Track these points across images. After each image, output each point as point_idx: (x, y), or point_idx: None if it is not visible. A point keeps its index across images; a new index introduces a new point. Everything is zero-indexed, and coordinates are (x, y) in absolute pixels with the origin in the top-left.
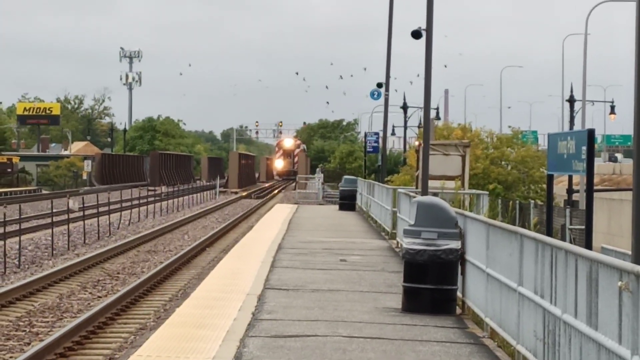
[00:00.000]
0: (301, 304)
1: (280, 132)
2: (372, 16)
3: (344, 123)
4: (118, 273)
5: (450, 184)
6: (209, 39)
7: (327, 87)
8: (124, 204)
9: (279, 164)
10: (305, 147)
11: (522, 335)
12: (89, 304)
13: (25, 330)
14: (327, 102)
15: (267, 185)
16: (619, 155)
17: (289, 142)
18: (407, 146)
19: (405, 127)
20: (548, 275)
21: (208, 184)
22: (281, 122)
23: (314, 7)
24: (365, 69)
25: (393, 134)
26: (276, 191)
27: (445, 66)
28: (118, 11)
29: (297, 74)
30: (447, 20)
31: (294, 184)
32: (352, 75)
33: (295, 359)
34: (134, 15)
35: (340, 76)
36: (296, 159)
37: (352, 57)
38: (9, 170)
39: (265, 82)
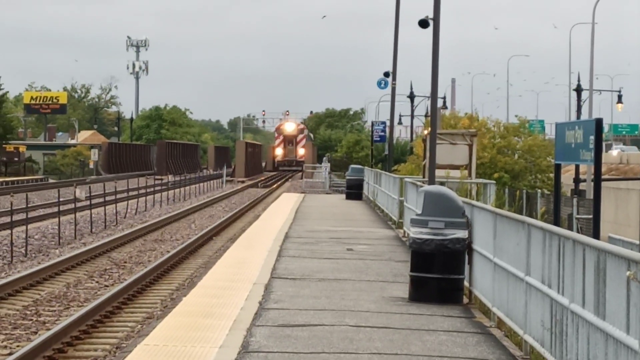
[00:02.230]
0: (308, 293)
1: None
2: (380, 4)
3: (351, 112)
4: (125, 262)
5: (455, 173)
6: (215, 28)
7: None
8: (130, 193)
9: (278, 152)
10: (311, 135)
11: (529, 324)
12: (95, 292)
13: (32, 319)
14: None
15: (273, 174)
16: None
17: (290, 127)
18: (414, 135)
19: (412, 116)
20: (555, 264)
21: (215, 173)
22: (288, 111)
23: None
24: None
25: (400, 123)
26: (283, 180)
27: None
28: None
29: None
30: (455, 9)
31: (300, 174)
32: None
33: (302, 348)
34: (140, 3)
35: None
36: (299, 146)
37: (359, 45)
38: (16, 159)
39: (273, 70)
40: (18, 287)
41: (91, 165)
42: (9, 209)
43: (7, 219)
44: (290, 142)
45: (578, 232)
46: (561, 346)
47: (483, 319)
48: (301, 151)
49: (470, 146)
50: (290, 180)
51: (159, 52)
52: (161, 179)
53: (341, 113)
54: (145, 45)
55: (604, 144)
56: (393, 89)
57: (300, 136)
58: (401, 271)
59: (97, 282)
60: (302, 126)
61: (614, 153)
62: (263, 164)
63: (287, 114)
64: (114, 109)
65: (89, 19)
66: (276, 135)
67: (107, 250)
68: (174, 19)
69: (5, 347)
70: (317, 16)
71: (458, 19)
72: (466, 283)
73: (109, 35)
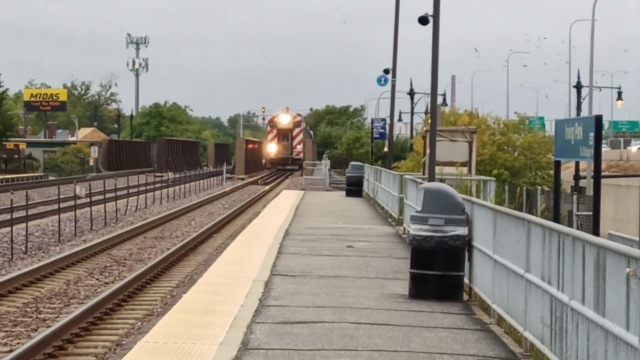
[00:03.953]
0: (308, 290)
1: None
2: (380, 1)
3: (351, 109)
4: (125, 259)
5: (450, 169)
6: (215, 25)
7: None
8: (130, 190)
9: (271, 148)
10: (311, 132)
11: (529, 321)
12: (96, 290)
13: (32, 317)
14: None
15: (273, 171)
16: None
17: (285, 119)
18: (414, 132)
19: (412, 113)
20: (555, 261)
21: (215, 170)
22: (288, 108)
23: None
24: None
25: (400, 120)
26: (283, 177)
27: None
28: None
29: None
30: (455, 5)
31: (300, 172)
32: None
33: (302, 345)
34: (140, 1)
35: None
36: (296, 142)
37: (358, 42)
38: (16, 156)
39: (273, 67)
40: (18, 285)
41: (91, 163)
42: (9, 206)
43: (7, 216)
44: (285, 137)
45: (578, 229)
46: (561, 343)
47: (483, 316)
48: (298, 147)
49: (470, 143)
50: (290, 177)
51: (159, 49)
52: (161, 176)
53: (341, 110)
54: (145, 43)
55: (621, 140)
56: (393, 86)
57: (297, 130)
58: (401, 268)
59: (97, 279)
60: (298, 118)
61: (633, 149)
62: (263, 161)
63: (287, 111)
64: (113, 106)
65: (89, 16)
66: (269, 129)
67: (107, 247)
68: (174, 16)
69: (6, 344)
70: (316, 13)
71: (458, 16)
72: (466, 280)
73: (108, 32)
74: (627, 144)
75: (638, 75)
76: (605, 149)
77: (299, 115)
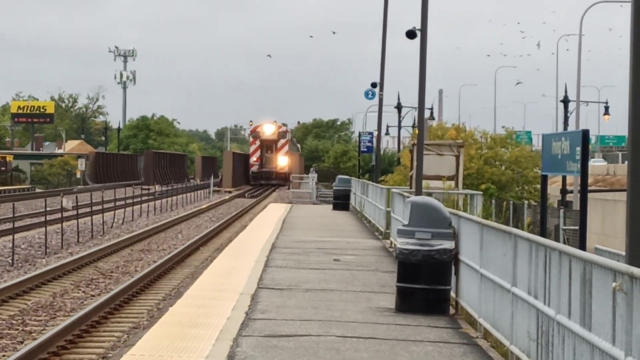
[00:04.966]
0: (295, 304)
1: None
2: (367, 14)
3: (338, 123)
4: (111, 272)
5: (436, 183)
6: (203, 38)
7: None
8: (117, 203)
9: (253, 160)
10: (298, 145)
11: (515, 335)
12: (82, 302)
13: (18, 329)
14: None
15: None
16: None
17: (269, 129)
18: (401, 146)
19: (400, 127)
20: (542, 275)
21: (202, 183)
22: (275, 120)
23: (309, 5)
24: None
25: (387, 133)
26: (270, 191)
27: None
28: (110, 9)
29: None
30: (443, 19)
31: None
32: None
33: (288, 359)
34: (127, 13)
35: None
36: (280, 154)
37: (346, 55)
38: (3, 168)
39: (260, 81)
40: (4, 297)
41: (78, 175)
42: None
43: None
44: (268, 148)
45: (565, 243)
46: (547, 357)
47: (469, 330)
48: (282, 161)
49: (458, 157)
50: (277, 190)
51: (147, 61)
52: (148, 189)
53: (328, 123)
54: (132, 55)
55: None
56: (380, 100)
57: (282, 141)
58: (388, 282)
59: (83, 291)
60: (284, 129)
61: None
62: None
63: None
64: (101, 118)
65: (76, 28)
66: (251, 139)
67: (94, 260)
68: (162, 29)
69: None
70: (304, 27)
71: (446, 29)
72: (453, 294)
73: (96, 45)
74: (615, 158)
75: (625, 90)
76: (601, 162)
77: (284, 125)
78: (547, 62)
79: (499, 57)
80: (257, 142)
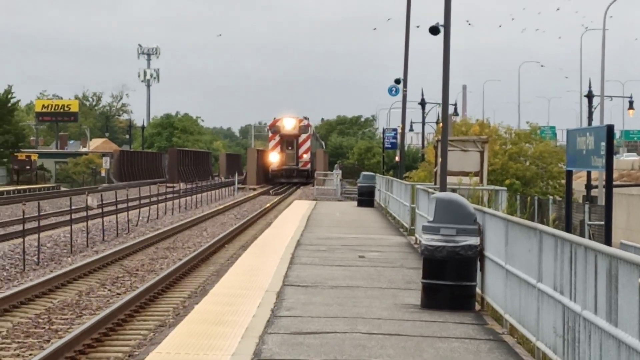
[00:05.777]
0: (320, 301)
1: None
2: (391, 11)
3: (362, 119)
4: (137, 270)
5: (462, 179)
6: (226, 35)
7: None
8: (142, 201)
9: (273, 157)
10: (322, 142)
11: (541, 331)
12: (108, 301)
13: (44, 328)
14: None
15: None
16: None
17: (289, 123)
18: (426, 142)
19: (424, 123)
20: (567, 271)
21: (226, 180)
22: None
23: (330, 1)
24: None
25: (411, 130)
26: (294, 188)
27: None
28: (133, 7)
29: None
30: (466, 15)
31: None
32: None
33: (314, 356)
34: (151, 11)
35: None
36: (302, 150)
37: (370, 52)
38: (28, 167)
39: (283, 78)
40: (30, 296)
41: (103, 173)
42: (21, 217)
43: (19, 227)
44: (289, 144)
45: (590, 238)
46: (573, 353)
47: (495, 326)
48: (305, 157)
49: (482, 153)
50: (301, 187)
51: (170, 59)
52: (173, 187)
53: (352, 120)
54: (156, 53)
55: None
56: (404, 96)
57: (304, 136)
58: (413, 278)
59: (109, 290)
60: (305, 122)
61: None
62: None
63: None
64: (125, 116)
65: (100, 27)
66: (270, 134)
67: (119, 258)
68: (185, 27)
69: (18, 355)
70: (327, 23)
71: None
72: (478, 290)
73: (120, 43)
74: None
75: None
76: (632, 157)
77: (305, 118)
78: (571, 56)
79: (522, 52)
80: (277, 138)
